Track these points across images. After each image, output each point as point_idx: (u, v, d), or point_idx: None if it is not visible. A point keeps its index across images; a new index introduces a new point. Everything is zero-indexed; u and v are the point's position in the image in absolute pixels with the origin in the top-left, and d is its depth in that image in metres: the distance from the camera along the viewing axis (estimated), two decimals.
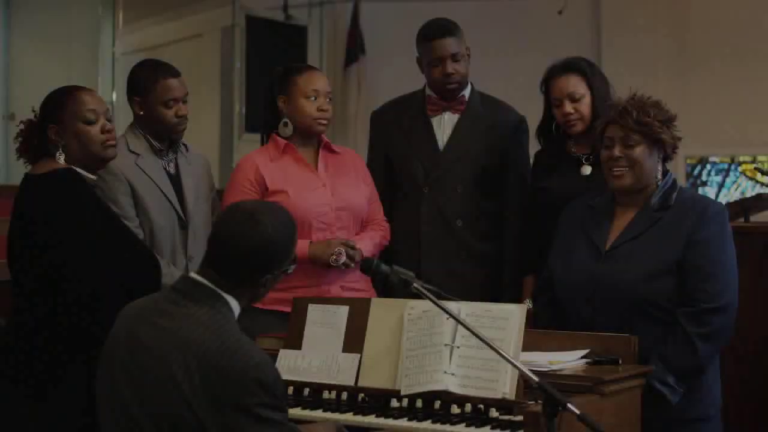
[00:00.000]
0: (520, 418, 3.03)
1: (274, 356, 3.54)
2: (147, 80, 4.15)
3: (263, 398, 2.64)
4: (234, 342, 2.72)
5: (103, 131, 3.69)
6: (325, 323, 3.57)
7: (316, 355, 3.52)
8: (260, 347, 3.74)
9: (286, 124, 4.27)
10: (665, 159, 3.80)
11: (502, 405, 3.12)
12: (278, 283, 4.12)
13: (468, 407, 3.15)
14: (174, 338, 2.72)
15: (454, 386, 3.19)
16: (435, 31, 4.50)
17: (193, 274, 2.87)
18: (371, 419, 3.20)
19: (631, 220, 3.78)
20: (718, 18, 9.82)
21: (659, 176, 3.78)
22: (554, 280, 3.85)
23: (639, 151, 3.73)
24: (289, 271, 2.92)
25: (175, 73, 4.20)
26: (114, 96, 9.53)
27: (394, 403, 3.28)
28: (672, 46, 9.97)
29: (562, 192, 4.21)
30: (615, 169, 3.75)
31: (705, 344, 3.58)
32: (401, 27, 8.47)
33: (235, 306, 2.85)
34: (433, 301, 3.02)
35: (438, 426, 3.09)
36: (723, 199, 9.78)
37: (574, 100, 4.23)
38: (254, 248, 2.82)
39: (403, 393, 3.26)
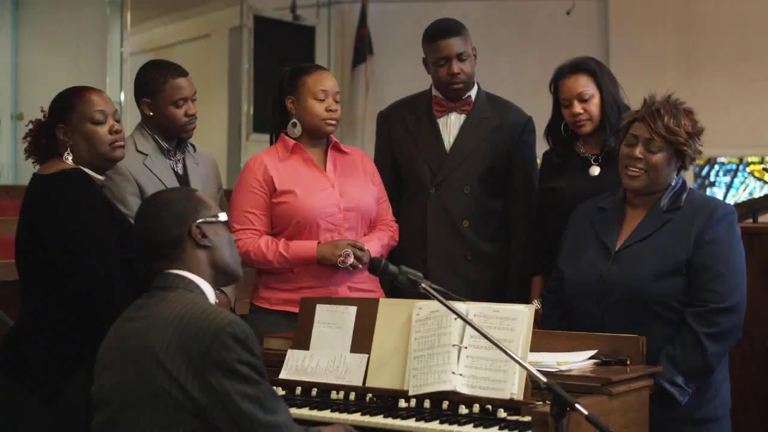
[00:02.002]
0: (528, 418, 3.03)
1: (281, 356, 3.55)
2: (155, 81, 4.15)
3: (240, 354, 2.66)
4: (206, 307, 2.78)
5: (111, 132, 3.70)
6: (333, 323, 3.57)
7: (324, 356, 3.52)
8: (266, 346, 3.74)
9: (294, 125, 4.27)
10: (680, 168, 3.78)
11: (511, 405, 3.12)
12: (281, 282, 4.16)
13: (476, 408, 3.15)
14: (151, 321, 2.78)
15: (462, 387, 3.19)
16: (440, 31, 4.50)
17: (166, 271, 2.92)
18: (379, 420, 3.20)
19: (641, 221, 3.77)
20: (727, 18, 9.82)
21: (671, 183, 3.76)
22: (563, 280, 3.85)
23: (659, 157, 3.70)
24: (220, 218, 2.97)
25: (183, 73, 4.20)
26: (122, 96, 9.55)
27: (402, 403, 3.28)
28: (680, 46, 9.97)
29: (570, 192, 4.21)
30: (631, 168, 3.73)
31: (713, 344, 3.57)
32: (409, 27, 8.48)
33: (204, 285, 2.91)
34: (441, 302, 3.02)
35: (446, 426, 3.09)
36: (731, 200, 9.78)
37: (583, 100, 4.23)
38: (153, 210, 2.95)
39: (411, 393, 3.26)
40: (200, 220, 2.93)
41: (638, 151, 3.72)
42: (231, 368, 2.66)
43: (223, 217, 3.00)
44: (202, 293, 2.89)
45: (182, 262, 2.91)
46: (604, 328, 3.58)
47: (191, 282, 2.89)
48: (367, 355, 3.45)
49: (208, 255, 2.94)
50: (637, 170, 3.72)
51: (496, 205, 4.57)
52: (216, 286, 2.96)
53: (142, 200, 3.98)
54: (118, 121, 3.77)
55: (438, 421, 3.13)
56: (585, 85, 4.23)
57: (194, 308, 2.76)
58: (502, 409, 3.13)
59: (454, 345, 3.25)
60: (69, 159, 3.66)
